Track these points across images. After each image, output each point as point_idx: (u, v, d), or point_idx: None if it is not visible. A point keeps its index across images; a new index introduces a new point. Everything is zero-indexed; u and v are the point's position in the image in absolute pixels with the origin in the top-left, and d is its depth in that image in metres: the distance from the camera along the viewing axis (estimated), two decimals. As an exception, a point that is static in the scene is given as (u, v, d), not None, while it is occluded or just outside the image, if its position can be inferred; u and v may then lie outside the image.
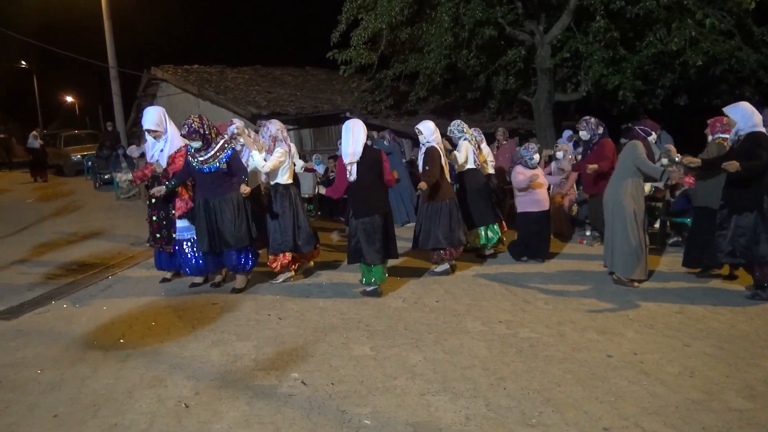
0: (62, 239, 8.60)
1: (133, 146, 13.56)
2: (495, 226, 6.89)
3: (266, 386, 3.61)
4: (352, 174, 5.29)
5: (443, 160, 6.00)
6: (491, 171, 7.29)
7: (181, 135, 5.50)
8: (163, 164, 5.64)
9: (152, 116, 5.55)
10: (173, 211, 5.73)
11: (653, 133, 7.21)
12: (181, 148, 5.61)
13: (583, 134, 6.74)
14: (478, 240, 6.85)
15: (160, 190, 5.51)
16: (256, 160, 5.75)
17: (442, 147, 6.09)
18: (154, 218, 5.84)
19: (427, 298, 5.37)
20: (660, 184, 6.87)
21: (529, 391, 3.45)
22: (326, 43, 12.47)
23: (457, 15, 11.25)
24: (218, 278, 5.95)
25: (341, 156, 5.38)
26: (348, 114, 13.55)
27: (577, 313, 4.82)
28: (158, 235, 5.86)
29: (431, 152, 5.88)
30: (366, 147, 5.32)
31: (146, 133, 5.65)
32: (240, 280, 5.76)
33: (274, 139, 5.73)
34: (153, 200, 5.79)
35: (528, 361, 3.89)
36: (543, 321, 4.66)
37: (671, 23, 10.01)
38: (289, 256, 5.87)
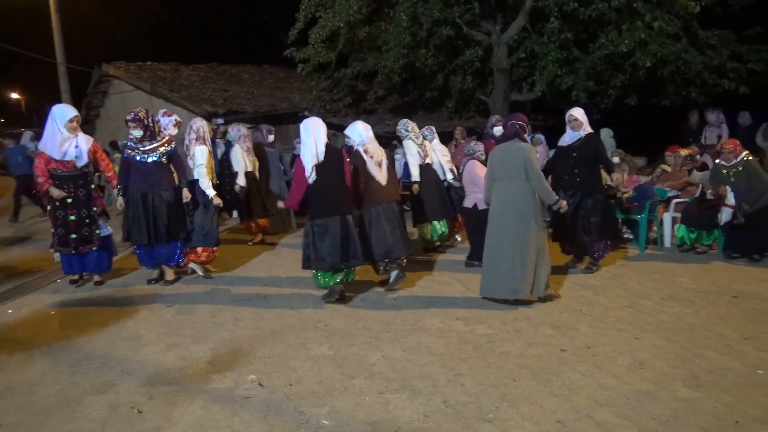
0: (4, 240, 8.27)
1: (28, 132, 11.98)
2: (445, 222, 7.01)
3: (222, 389, 3.56)
4: (313, 176, 5.07)
5: (376, 161, 5.55)
6: (446, 166, 7.33)
7: (125, 120, 5.57)
8: (85, 159, 5.54)
9: (73, 109, 5.66)
10: (95, 209, 5.68)
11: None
12: (95, 142, 5.74)
13: (498, 130, 7.14)
14: (428, 234, 6.98)
15: (60, 193, 5.46)
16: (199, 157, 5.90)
17: (371, 149, 5.60)
18: (72, 218, 5.55)
19: (386, 297, 5.38)
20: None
21: (485, 387, 3.49)
22: (284, 41, 12.37)
23: (415, 14, 11.29)
24: (156, 274, 5.96)
25: (299, 156, 5.19)
26: (307, 113, 13.45)
27: (533, 309, 4.91)
28: (74, 236, 5.58)
29: (353, 156, 5.59)
30: (328, 146, 5.13)
31: (62, 127, 5.45)
32: (169, 273, 5.91)
33: (198, 138, 5.93)
34: (69, 200, 5.52)
35: (485, 357, 3.94)
36: (499, 317, 4.73)
37: (622, 26, 10.28)
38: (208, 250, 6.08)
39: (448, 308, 4.99)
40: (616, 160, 8.88)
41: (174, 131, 6.20)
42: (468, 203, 6.46)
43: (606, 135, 9.94)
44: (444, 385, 3.52)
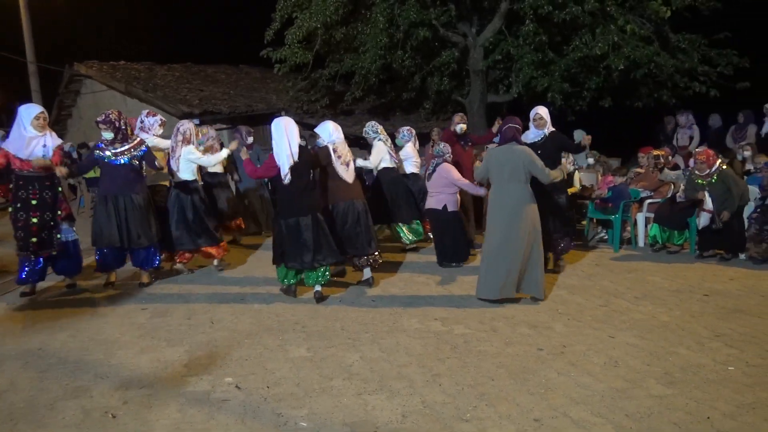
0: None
1: None
2: (416, 224, 7.10)
3: (198, 392, 3.51)
4: (287, 178, 5.05)
5: (344, 161, 5.57)
6: (414, 170, 7.40)
7: (96, 121, 5.52)
8: (50, 156, 5.40)
9: (39, 107, 5.58)
10: (60, 212, 5.51)
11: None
12: (62, 144, 5.64)
13: (460, 127, 7.26)
14: (397, 235, 7.07)
15: (64, 170, 5.39)
16: (197, 156, 6.09)
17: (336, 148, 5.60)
18: (35, 221, 5.33)
19: (364, 298, 5.38)
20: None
21: (463, 387, 3.51)
22: (260, 41, 12.27)
23: (392, 16, 11.31)
24: (113, 277, 5.84)
25: (272, 155, 5.14)
26: (284, 113, 13.38)
27: (510, 309, 4.95)
28: (34, 239, 5.34)
29: (321, 151, 5.60)
30: (300, 147, 5.16)
31: (29, 125, 5.31)
32: (146, 276, 5.84)
33: (185, 140, 6.06)
34: (34, 201, 5.34)
35: (462, 356, 3.97)
36: (477, 317, 4.76)
37: (596, 29, 10.44)
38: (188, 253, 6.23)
39: (426, 308, 5.01)
40: (590, 161, 9.04)
41: (159, 131, 6.32)
42: (437, 205, 6.43)
43: (579, 137, 10.05)
44: (422, 386, 3.53)
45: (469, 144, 7.63)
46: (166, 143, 6.28)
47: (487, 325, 4.56)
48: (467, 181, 6.42)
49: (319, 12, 11.25)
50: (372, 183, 7.25)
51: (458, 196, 6.54)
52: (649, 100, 11.87)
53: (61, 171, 5.30)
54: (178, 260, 6.24)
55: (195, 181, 6.22)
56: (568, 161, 8.14)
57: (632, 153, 8.76)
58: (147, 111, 6.50)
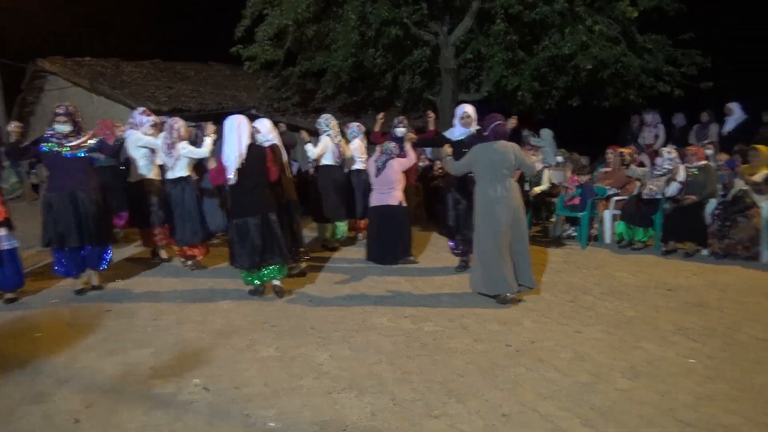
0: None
1: None
2: (344, 223, 7.23)
3: (165, 394, 3.46)
4: (234, 177, 5.01)
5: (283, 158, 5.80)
6: (361, 167, 7.43)
7: (54, 113, 5.28)
8: None
9: None
10: None
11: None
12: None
13: (400, 131, 7.37)
14: (328, 233, 7.19)
15: None
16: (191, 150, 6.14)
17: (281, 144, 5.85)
18: None
19: (334, 297, 5.36)
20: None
21: (433, 384, 3.52)
22: (231, 37, 12.11)
23: (363, 13, 11.28)
24: (81, 285, 5.57)
25: (221, 156, 5.09)
26: (254, 111, 13.25)
27: (480, 305, 4.99)
28: None
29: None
30: (251, 145, 5.07)
31: None
32: (96, 278, 5.68)
33: (180, 137, 6.16)
34: None
35: (432, 354, 3.98)
36: (447, 314, 4.78)
37: (564, 29, 10.57)
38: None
39: (396, 306, 5.01)
40: (559, 159, 9.17)
41: (149, 132, 6.37)
42: (392, 201, 6.49)
43: (547, 135, 10.20)
44: (392, 384, 3.54)
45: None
46: (153, 141, 6.31)
47: (456, 323, 4.58)
48: (411, 155, 6.65)
49: (290, 9, 11.15)
50: (314, 180, 7.30)
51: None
52: (616, 100, 12.06)
53: None
54: (181, 255, 6.43)
55: (190, 176, 6.32)
56: (537, 159, 8.25)
57: (600, 151, 8.90)
58: (142, 109, 6.65)
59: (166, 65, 16.78)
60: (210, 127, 6.24)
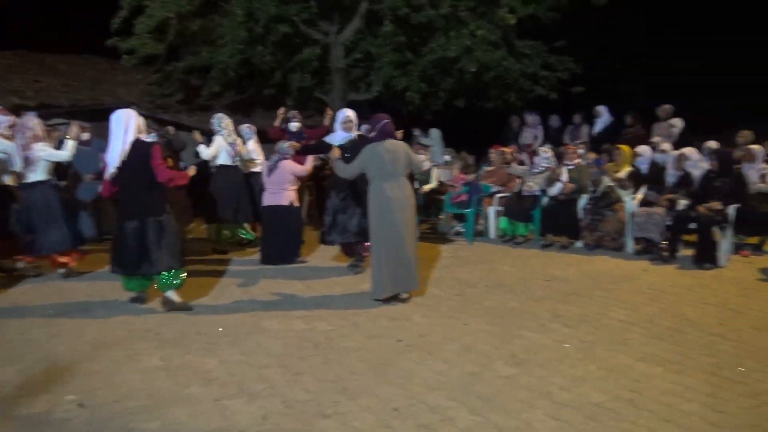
0: None
1: None
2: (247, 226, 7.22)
3: (34, 414, 3.18)
4: (112, 175, 4.71)
5: None
6: (257, 168, 7.31)
7: None
8: None
9: None
10: None
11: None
12: None
13: (293, 125, 7.53)
14: (217, 236, 7.11)
15: None
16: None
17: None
18: None
19: (224, 301, 5.20)
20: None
21: (325, 383, 3.52)
22: (108, 28, 11.32)
23: (250, 9, 11.02)
24: None
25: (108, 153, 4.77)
26: (134, 108, 12.52)
27: (371, 304, 5.04)
28: None
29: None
30: (135, 141, 4.71)
31: None
32: None
33: (36, 137, 5.65)
34: None
35: (325, 353, 3.97)
36: (339, 314, 4.79)
37: (450, 32, 10.96)
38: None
39: (288, 308, 4.95)
40: (447, 158, 9.49)
41: (8, 132, 5.78)
42: (284, 201, 6.42)
43: (436, 135, 10.53)
44: (283, 386, 3.49)
45: (304, 139, 7.59)
46: (9, 145, 5.69)
47: (349, 321, 4.61)
48: (306, 166, 6.56)
49: (172, 1, 10.65)
50: (211, 181, 7.09)
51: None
52: (499, 102, 12.69)
53: None
54: (51, 264, 5.99)
55: (51, 179, 5.84)
56: (425, 157, 8.49)
57: (484, 151, 9.32)
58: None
59: (35, 57, 15.43)
60: (74, 129, 5.81)
